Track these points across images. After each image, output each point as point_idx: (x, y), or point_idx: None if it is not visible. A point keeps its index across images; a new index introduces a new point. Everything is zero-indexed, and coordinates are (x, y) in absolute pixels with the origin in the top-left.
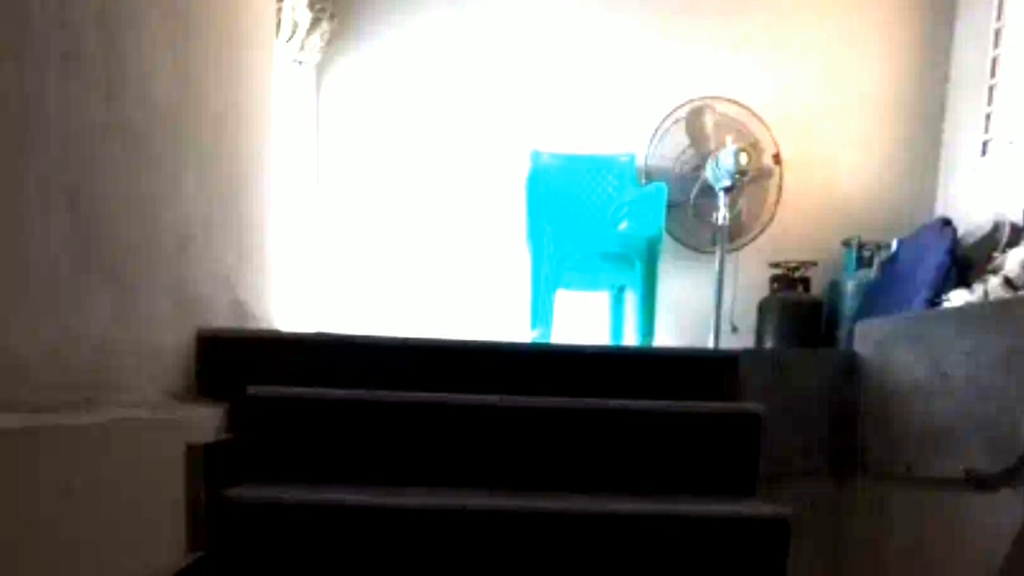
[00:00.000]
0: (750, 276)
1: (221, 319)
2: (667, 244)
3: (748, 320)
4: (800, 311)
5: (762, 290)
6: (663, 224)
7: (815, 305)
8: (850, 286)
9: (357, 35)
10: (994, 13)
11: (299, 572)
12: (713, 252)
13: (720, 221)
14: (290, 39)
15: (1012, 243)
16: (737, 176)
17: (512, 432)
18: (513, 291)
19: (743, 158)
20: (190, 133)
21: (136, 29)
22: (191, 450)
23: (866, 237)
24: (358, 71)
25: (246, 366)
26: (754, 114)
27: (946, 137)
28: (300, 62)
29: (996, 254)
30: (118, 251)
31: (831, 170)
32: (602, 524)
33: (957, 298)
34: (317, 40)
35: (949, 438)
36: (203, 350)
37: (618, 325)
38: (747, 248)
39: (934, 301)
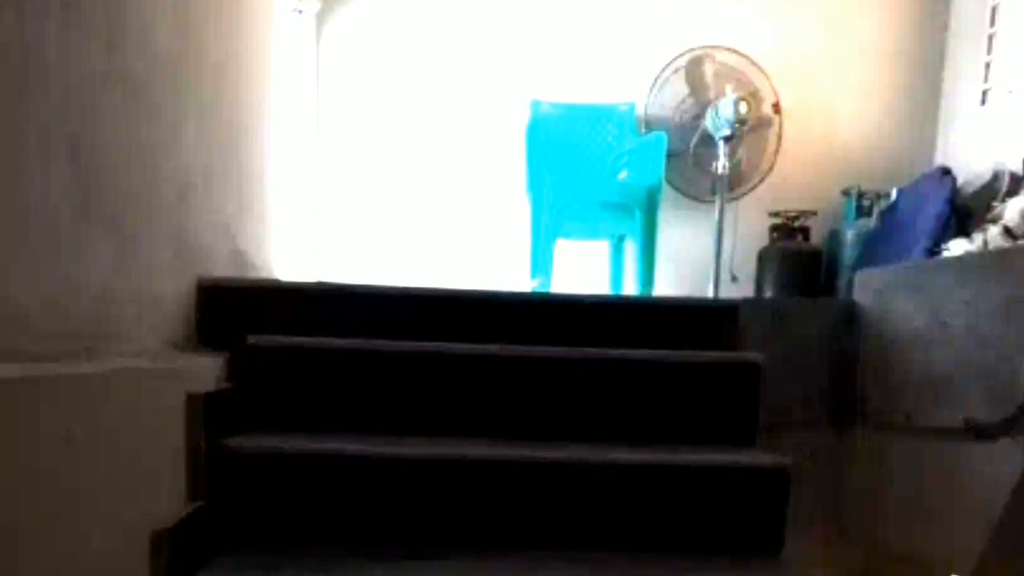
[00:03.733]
0: (750, 225)
1: (221, 269)
2: (667, 193)
3: (748, 269)
4: (800, 260)
5: (762, 239)
6: (663, 173)
7: (815, 254)
8: (850, 235)
9: None
10: None
11: (299, 522)
12: (713, 201)
13: (720, 170)
14: None
15: (1012, 192)
16: (737, 125)
17: (512, 382)
18: (513, 240)
19: (743, 107)
20: (190, 83)
21: None
22: (191, 400)
23: (866, 186)
24: (358, 20)
25: (246, 316)
26: (754, 63)
27: (946, 86)
28: (300, 11)
29: (996, 203)
30: (118, 200)
31: (831, 119)
32: (602, 473)
33: (957, 247)
34: None
35: (948, 388)
36: (203, 300)
37: (618, 274)
38: (747, 197)
39: (933, 250)
